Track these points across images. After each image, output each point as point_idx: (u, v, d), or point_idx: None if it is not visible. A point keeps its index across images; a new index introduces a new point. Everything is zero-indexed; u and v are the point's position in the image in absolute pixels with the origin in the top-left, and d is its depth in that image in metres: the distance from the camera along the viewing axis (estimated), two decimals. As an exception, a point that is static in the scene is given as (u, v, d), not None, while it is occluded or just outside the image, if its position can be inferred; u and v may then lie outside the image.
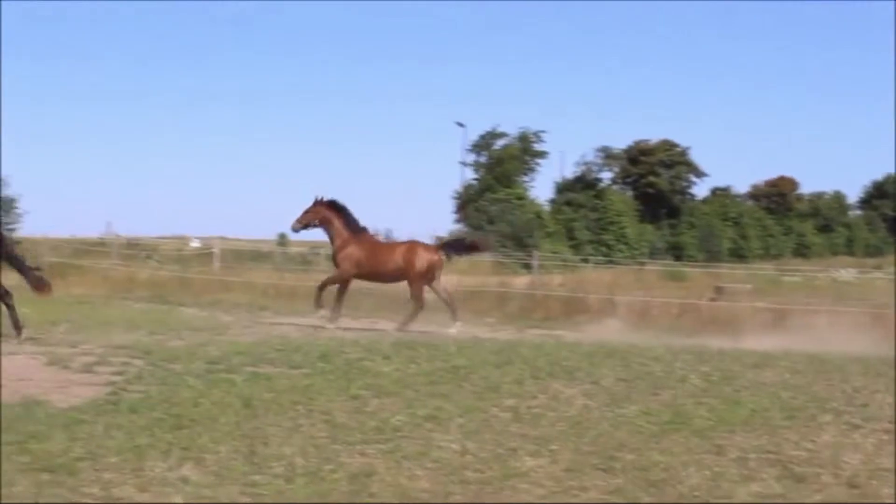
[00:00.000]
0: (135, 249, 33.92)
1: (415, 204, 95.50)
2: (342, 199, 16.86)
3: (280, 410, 8.08)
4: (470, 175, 56.73)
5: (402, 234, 50.22)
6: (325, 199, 16.94)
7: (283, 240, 48.49)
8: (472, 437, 7.29)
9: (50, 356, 11.25)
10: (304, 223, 17.16)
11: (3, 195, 31.53)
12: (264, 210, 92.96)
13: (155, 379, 9.59)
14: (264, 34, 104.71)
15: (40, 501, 5.50)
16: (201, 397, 8.52)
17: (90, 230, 33.46)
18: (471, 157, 56.56)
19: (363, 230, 17.11)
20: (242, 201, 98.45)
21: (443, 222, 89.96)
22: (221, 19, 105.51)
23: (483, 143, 56.48)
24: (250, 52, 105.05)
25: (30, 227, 51.11)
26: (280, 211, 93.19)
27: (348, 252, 16.53)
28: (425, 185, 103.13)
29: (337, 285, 16.83)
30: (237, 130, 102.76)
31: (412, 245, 16.97)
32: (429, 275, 16.37)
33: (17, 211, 31.97)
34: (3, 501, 5.22)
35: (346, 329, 15.59)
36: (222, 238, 28.24)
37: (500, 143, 56.28)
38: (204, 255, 30.51)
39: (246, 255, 33.44)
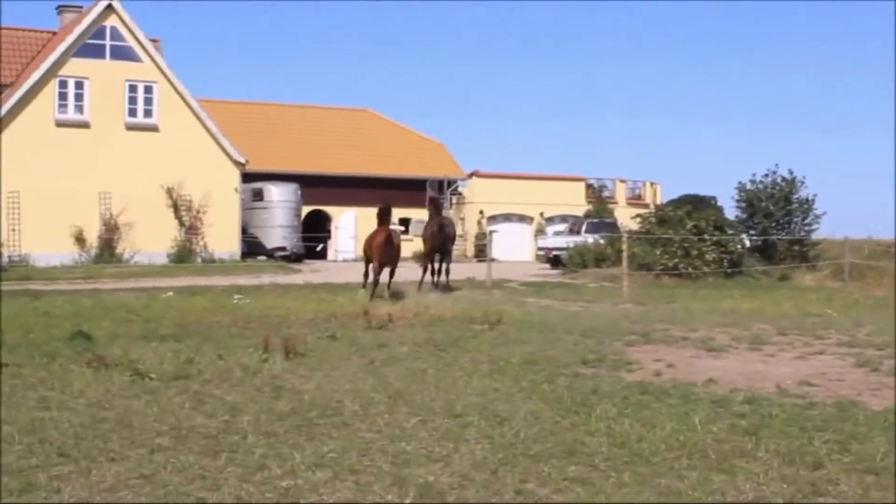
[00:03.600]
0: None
1: None
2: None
3: None
4: None
5: None
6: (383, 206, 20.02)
7: None
8: None
9: (858, 358, 11.34)
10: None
11: (800, 196, 32.40)
12: None
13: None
14: None
15: (866, 502, 5.55)
16: None
17: (887, 231, 32.77)
18: None
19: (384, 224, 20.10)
20: None
21: None
22: None
23: None
24: None
25: (827, 227, 52.03)
26: None
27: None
28: None
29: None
30: None
31: (372, 233, 19.92)
32: (375, 252, 19.09)
33: (815, 211, 32.53)
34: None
35: None
36: None
37: None
38: None
39: None
